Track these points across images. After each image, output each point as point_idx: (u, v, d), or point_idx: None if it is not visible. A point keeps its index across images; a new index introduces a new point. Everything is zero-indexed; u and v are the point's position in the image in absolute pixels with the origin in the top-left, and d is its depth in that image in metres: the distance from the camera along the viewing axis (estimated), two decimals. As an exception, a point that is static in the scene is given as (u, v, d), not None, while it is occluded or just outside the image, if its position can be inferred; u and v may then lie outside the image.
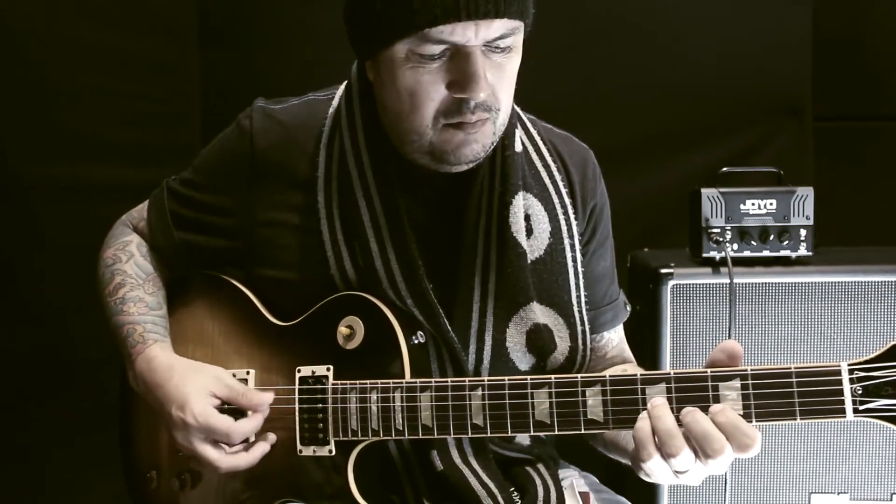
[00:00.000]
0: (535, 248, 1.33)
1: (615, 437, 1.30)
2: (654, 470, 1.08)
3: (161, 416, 1.30)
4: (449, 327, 1.28)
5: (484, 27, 1.13)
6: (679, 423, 1.07)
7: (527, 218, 1.33)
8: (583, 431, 1.15)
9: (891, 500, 1.91)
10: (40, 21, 2.00)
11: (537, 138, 1.40)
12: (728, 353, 1.10)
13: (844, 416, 1.04)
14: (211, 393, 1.28)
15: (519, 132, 1.36)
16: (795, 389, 1.06)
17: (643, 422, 1.08)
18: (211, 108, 2.52)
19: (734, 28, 2.57)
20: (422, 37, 1.14)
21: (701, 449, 1.04)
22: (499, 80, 1.19)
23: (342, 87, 1.37)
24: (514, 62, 1.21)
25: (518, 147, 1.34)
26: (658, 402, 1.09)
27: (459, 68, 1.16)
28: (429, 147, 1.23)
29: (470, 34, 1.13)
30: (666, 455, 1.05)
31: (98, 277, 1.45)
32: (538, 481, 1.36)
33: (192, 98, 2.51)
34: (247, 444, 1.28)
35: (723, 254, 1.92)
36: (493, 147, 1.26)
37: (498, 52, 1.18)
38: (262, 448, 1.28)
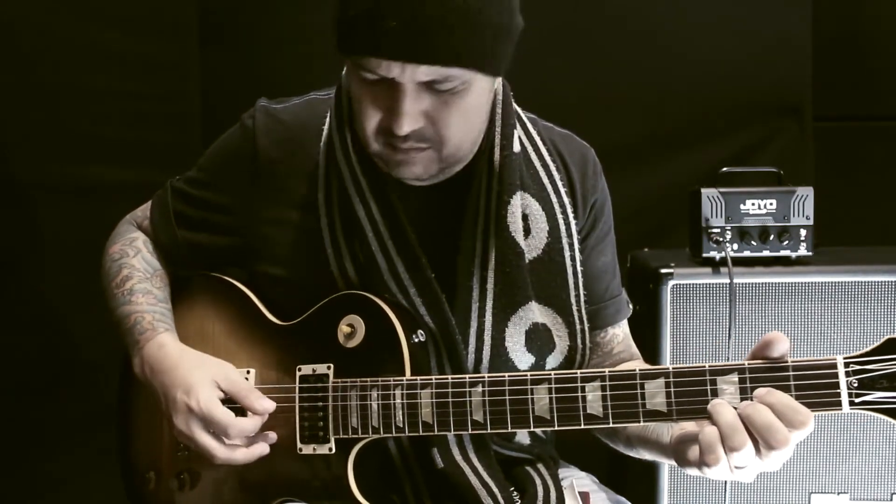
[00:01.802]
0: (533, 247, 1.33)
1: (642, 432, 1.29)
2: (715, 469, 1.07)
3: (164, 401, 1.30)
4: (451, 316, 1.28)
5: (410, 69, 1.11)
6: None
7: (525, 218, 1.33)
8: (582, 426, 1.16)
9: (891, 500, 1.91)
10: (40, 21, 2.00)
11: (536, 138, 1.39)
12: (768, 345, 1.08)
13: (841, 409, 1.05)
14: (217, 385, 1.28)
15: (518, 132, 1.35)
16: (792, 383, 1.07)
17: (710, 427, 1.06)
18: (211, 108, 2.52)
19: (734, 28, 2.57)
20: (353, 60, 1.14)
21: (765, 441, 1.03)
22: (444, 116, 1.17)
23: None
24: (465, 101, 1.17)
25: (516, 147, 1.33)
26: (717, 399, 1.08)
27: (389, 98, 1.15)
28: (376, 155, 1.24)
29: (396, 71, 1.11)
30: (729, 450, 1.04)
31: (103, 271, 1.46)
32: (538, 481, 1.36)
33: (192, 98, 2.51)
34: (246, 440, 1.28)
35: (723, 254, 1.92)
36: (443, 169, 1.24)
37: (444, 92, 1.15)
38: (261, 447, 1.28)
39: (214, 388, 1.27)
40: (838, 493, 1.92)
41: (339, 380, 1.26)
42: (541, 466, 1.41)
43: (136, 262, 1.44)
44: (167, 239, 1.46)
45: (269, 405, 1.28)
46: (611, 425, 1.14)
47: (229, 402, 1.28)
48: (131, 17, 2.26)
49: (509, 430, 1.26)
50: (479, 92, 1.19)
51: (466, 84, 1.15)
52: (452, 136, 1.19)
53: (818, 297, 1.90)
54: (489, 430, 1.20)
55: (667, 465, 1.95)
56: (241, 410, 1.28)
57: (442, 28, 1.07)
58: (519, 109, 1.40)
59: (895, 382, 1.04)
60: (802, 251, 1.94)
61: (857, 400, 1.05)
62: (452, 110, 1.17)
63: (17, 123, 1.96)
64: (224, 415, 1.25)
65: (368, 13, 1.08)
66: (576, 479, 1.47)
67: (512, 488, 1.34)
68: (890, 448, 1.91)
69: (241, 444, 1.27)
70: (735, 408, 1.06)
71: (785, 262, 1.94)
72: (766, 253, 1.94)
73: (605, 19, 2.57)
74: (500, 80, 1.32)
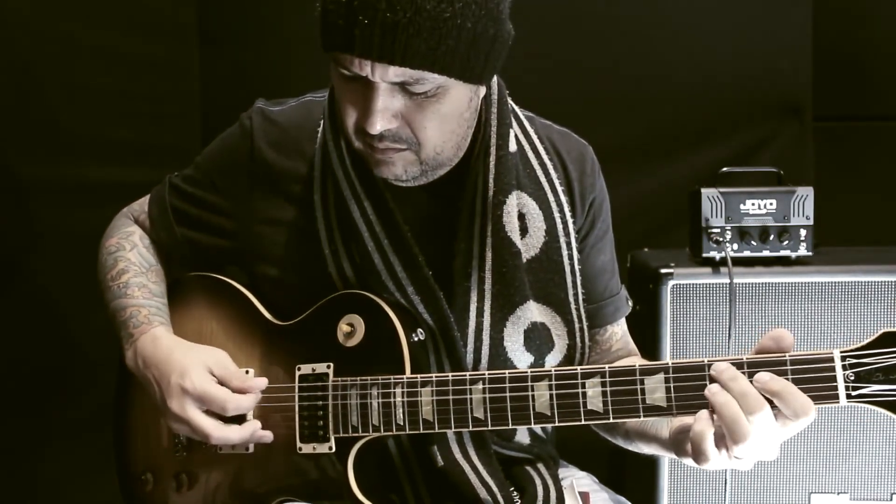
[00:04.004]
0: (530, 246, 1.33)
1: (641, 426, 1.30)
2: (708, 463, 1.08)
3: (157, 391, 1.30)
4: (450, 313, 1.28)
5: (381, 68, 1.11)
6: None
7: (521, 217, 1.32)
8: (583, 422, 1.16)
9: (891, 500, 1.91)
10: (40, 21, 2.00)
11: (533, 136, 1.39)
12: (776, 340, 1.10)
13: (838, 402, 1.07)
14: (209, 369, 1.29)
15: (514, 131, 1.35)
16: (790, 377, 1.08)
17: (700, 424, 1.07)
18: (211, 108, 2.53)
19: (734, 28, 2.57)
20: (332, 56, 1.15)
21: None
22: (419, 119, 1.16)
23: None
24: (441, 105, 1.16)
25: (512, 147, 1.33)
26: (714, 388, 1.08)
27: (363, 96, 1.15)
28: (360, 154, 1.24)
29: (368, 70, 1.11)
30: (732, 442, 1.05)
31: (99, 264, 1.46)
32: (538, 481, 1.36)
33: (192, 98, 2.51)
34: (241, 420, 1.29)
35: (723, 254, 1.92)
36: (426, 172, 1.24)
37: (419, 94, 1.15)
38: (254, 425, 1.28)
39: (207, 371, 1.28)
40: (838, 493, 1.92)
41: (339, 378, 1.26)
42: (541, 466, 1.41)
43: (132, 256, 1.44)
44: (166, 235, 1.46)
45: (260, 382, 1.29)
46: (611, 420, 1.15)
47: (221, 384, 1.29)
48: (131, 18, 2.26)
49: (510, 427, 1.26)
50: (457, 98, 1.18)
51: (442, 89, 1.15)
52: (429, 140, 1.19)
53: (818, 297, 1.90)
54: (490, 427, 1.20)
55: (666, 465, 1.95)
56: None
57: (411, 31, 1.07)
58: (516, 108, 1.39)
59: (891, 375, 1.05)
60: (802, 251, 1.94)
61: (853, 393, 1.06)
62: (428, 114, 1.16)
63: (17, 123, 1.96)
64: (220, 390, 1.27)
65: (344, 9, 1.09)
66: (576, 479, 1.47)
67: (512, 488, 1.34)
68: (890, 448, 1.91)
69: (235, 423, 1.27)
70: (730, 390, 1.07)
71: (785, 262, 1.94)
72: (766, 253, 1.94)
73: (606, 19, 2.57)
74: (495, 80, 1.32)
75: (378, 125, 1.14)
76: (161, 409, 1.30)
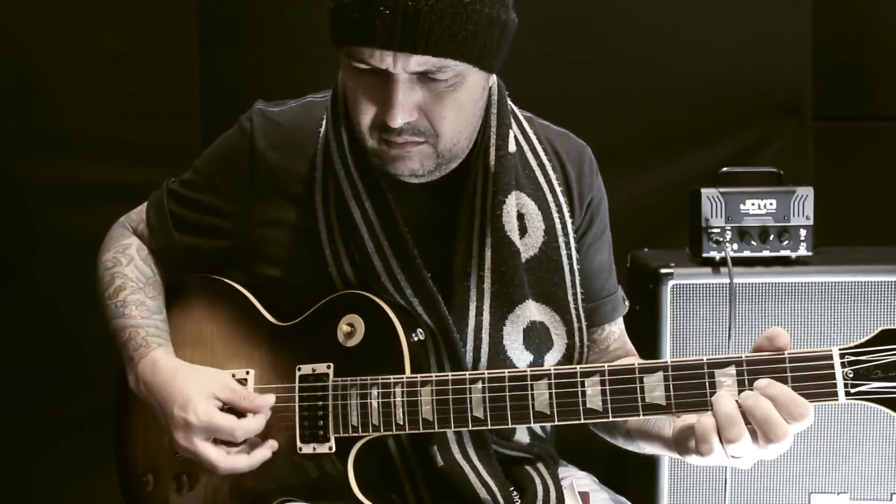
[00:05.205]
0: (529, 246, 1.33)
1: (643, 425, 1.30)
2: (711, 457, 1.09)
3: (162, 417, 1.30)
4: (448, 315, 1.28)
5: (403, 58, 1.11)
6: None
7: (520, 217, 1.33)
8: (582, 421, 1.17)
9: (891, 500, 1.91)
10: (39, 21, 2.00)
11: (532, 137, 1.39)
12: (770, 338, 1.10)
13: (837, 399, 1.07)
14: (213, 395, 1.28)
15: (514, 132, 1.35)
16: (789, 374, 1.08)
17: (706, 416, 1.08)
18: (211, 108, 2.53)
19: (734, 28, 2.57)
20: (347, 51, 1.15)
21: (763, 434, 1.05)
22: (437, 109, 1.17)
23: None
24: (459, 94, 1.17)
25: (512, 147, 1.33)
26: (721, 392, 1.09)
27: (382, 90, 1.15)
28: (372, 152, 1.24)
29: (388, 61, 1.11)
30: (726, 441, 1.06)
31: (97, 280, 1.45)
32: (538, 481, 1.37)
33: (192, 98, 2.51)
34: (248, 446, 1.28)
35: (723, 254, 1.92)
36: (440, 165, 1.24)
37: (439, 82, 1.15)
38: (263, 453, 1.28)
39: (211, 399, 1.28)
40: (838, 493, 1.91)
41: (339, 378, 1.26)
42: (540, 466, 1.41)
43: (128, 271, 1.43)
44: (166, 243, 1.45)
45: (268, 400, 1.29)
46: (610, 419, 1.15)
47: (230, 410, 1.28)
48: (131, 17, 2.26)
49: (509, 427, 1.26)
50: (473, 86, 1.19)
51: (460, 77, 1.15)
52: (447, 130, 1.19)
53: (818, 297, 1.90)
54: (489, 426, 1.20)
55: (666, 465, 1.95)
56: (242, 414, 1.28)
57: (433, 18, 1.08)
58: (515, 108, 1.40)
59: (890, 372, 1.06)
60: (802, 251, 1.94)
61: (852, 390, 1.07)
62: (446, 103, 1.17)
63: (17, 123, 1.96)
64: (226, 419, 1.26)
65: (360, 2, 1.09)
66: (575, 479, 1.47)
67: (511, 488, 1.34)
68: (890, 448, 1.91)
69: (243, 451, 1.27)
70: (737, 400, 1.07)
71: (785, 262, 1.94)
72: (765, 253, 1.94)
73: (605, 19, 2.58)
74: (494, 80, 1.32)
75: (399, 118, 1.14)
76: (167, 436, 1.30)
